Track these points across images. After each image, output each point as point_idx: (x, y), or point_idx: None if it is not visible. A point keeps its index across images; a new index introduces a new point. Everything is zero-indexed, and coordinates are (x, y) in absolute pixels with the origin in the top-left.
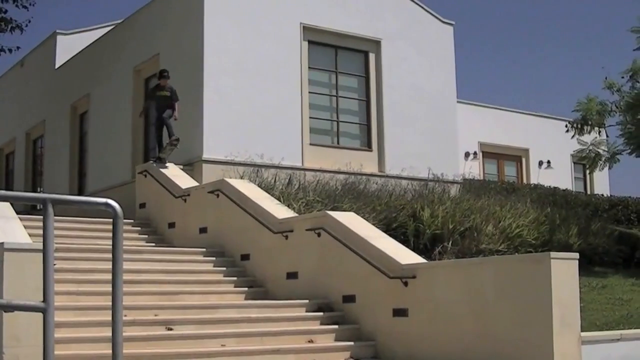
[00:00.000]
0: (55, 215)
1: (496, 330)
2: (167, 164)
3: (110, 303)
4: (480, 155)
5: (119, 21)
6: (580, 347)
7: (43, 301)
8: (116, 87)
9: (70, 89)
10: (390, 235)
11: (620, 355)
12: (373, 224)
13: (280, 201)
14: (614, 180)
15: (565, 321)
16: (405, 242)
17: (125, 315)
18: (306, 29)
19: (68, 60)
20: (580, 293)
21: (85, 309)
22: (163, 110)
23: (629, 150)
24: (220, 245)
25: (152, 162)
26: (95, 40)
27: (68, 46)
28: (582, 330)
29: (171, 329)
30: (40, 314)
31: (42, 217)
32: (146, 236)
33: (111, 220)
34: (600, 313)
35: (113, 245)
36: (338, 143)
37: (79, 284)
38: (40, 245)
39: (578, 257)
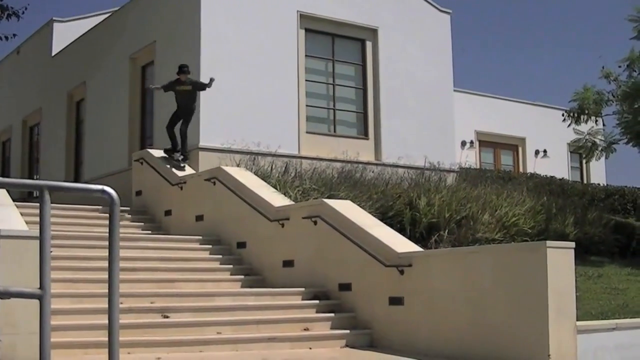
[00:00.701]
0: (52, 203)
1: (492, 319)
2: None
3: (107, 290)
4: (476, 144)
5: (115, 9)
6: (576, 336)
7: (39, 288)
8: (112, 75)
9: (67, 76)
10: (386, 223)
11: (616, 345)
12: (369, 213)
13: (276, 189)
14: (610, 170)
15: (561, 310)
16: (401, 230)
17: (122, 303)
18: (303, 17)
19: (64, 48)
20: (576, 282)
21: (82, 297)
22: (183, 105)
23: (626, 140)
24: (216, 233)
25: (164, 154)
26: (92, 28)
27: (64, 34)
28: (577, 320)
29: (167, 317)
30: (37, 301)
31: (38, 204)
32: (142, 224)
33: (108, 207)
34: (596, 302)
35: (110, 232)
36: (335, 131)
37: (76, 271)
38: (36, 232)
39: (574, 246)
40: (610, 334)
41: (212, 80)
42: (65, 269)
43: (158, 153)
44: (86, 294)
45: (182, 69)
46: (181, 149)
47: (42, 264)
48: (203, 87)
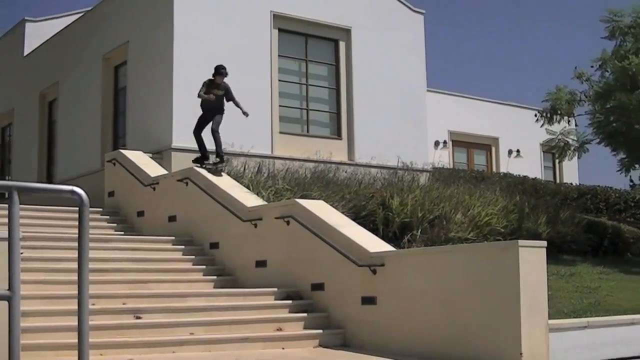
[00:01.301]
0: (23, 204)
1: (465, 318)
2: (222, 174)
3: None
4: (450, 143)
5: (88, 8)
6: (548, 334)
7: (8, 289)
8: (85, 75)
9: (39, 76)
10: (359, 223)
11: (587, 343)
12: (342, 212)
13: (249, 189)
14: (583, 170)
15: (533, 308)
16: (374, 230)
17: (94, 304)
18: (276, 17)
19: (37, 48)
20: (549, 281)
21: (53, 298)
22: (212, 110)
23: (598, 140)
24: (189, 233)
25: (198, 165)
26: (65, 28)
27: (37, 33)
28: (549, 318)
29: (140, 318)
30: (6, 303)
31: (7, 205)
32: (115, 225)
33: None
34: (568, 301)
35: (79, 233)
36: (308, 131)
37: (47, 272)
38: (5, 233)
39: (546, 245)
40: (582, 332)
41: (245, 114)
42: (37, 271)
43: (130, 154)
44: (58, 295)
45: (220, 71)
46: (216, 151)
47: (11, 265)
48: (232, 96)
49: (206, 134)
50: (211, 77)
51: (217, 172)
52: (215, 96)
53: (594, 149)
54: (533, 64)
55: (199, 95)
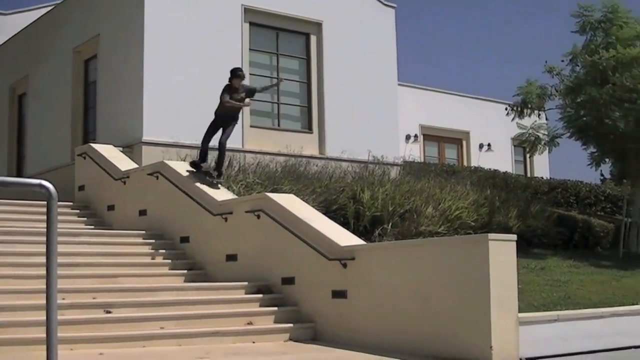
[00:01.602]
0: None
1: (435, 311)
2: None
3: None
4: (421, 137)
5: (59, 1)
6: (518, 328)
7: None
8: (55, 68)
9: (9, 69)
10: (330, 217)
11: (557, 336)
12: (313, 206)
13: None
14: (553, 164)
15: (503, 302)
16: (345, 224)
17: (64, 299)
18: (247, 11)
19: (7, 41)
20: (519, 274)
21: (23, 293)
22: (229, 116)
23: (569, 134)
24: (159, 227)
25: (191, 168)
26: (35, 21)
27: (7, 26)
28: (519, 311)
29: (110, 312)
30: None
31: None
32: (85, 219)
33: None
34: (539, 294)
35: (47, 226)
36: (279, 125)
37: (17, 267)
38: None
39: (516, 238)
40: (552, 325)
41: (279, 81)
42: (6, 265)
43: (101, 147)
44: (27, 290)
45: (237, 74)
46: (217, 164)
47: None
48: (253, 92)
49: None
50: (228, 82)
51: (214, 186)
52: (236, 101)
53: (565, 143)
54: (504, 57)
55: (225, 102)
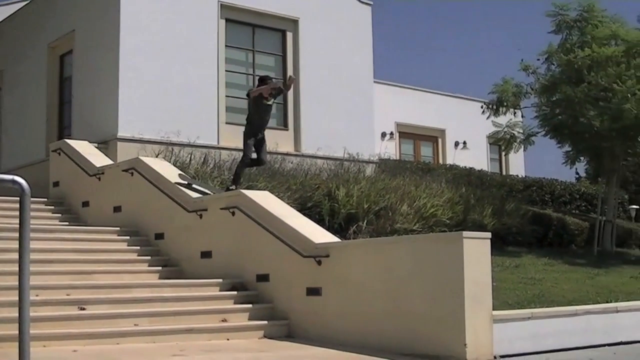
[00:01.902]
0: None
1: (410, 309)
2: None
3: None
4: (396, 135)
5: None
6: (492, 325)
7: None
8: (31, 64)
9: None
10: (305, 214)
11: (531, 333)
12: (288, 203)
13: (195, 180)
14: (529, 162)
15: (477, 299)
16: (320, 221)
17: (37, 295)
18: (224, 7)
19: None
20: (494, 272)
21: None
22: (263, 124)
23: (544, 132)
24: (134, 224)
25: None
26: (10, 16)
27: None
28: (494, 309)
29: (84, 309)
30: None
31: None
32: (59, 215)
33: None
34: (513, 292)
35: (20, 222)
36: None
37: None
38: None
39: (490, 236)
40: (526, 323)
41: (291, 78)
42: None
43: (76, 143)
44: (1, 286)
45: (266, 81)
46: (235, 176)
47: None
48: (281, 91)
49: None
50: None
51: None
52: (268, 107)
53: (540, 141)
54: (480, 56)
55: (251, 95)
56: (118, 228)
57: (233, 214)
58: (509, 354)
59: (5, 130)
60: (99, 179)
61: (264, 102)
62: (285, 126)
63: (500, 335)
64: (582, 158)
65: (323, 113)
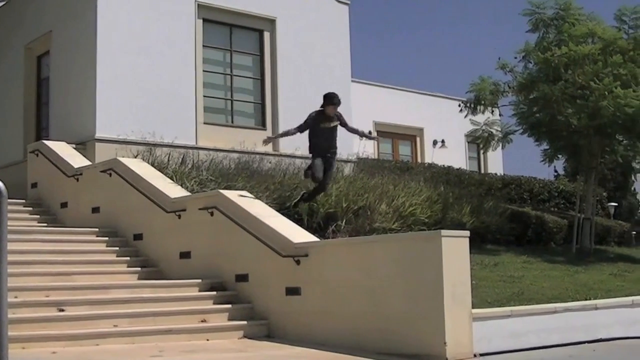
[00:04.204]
0: None
1: (389, 308)
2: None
3: None
4: (375, 134)
5: None
6: (472, 324)
7: None
8: (8, 65)
9: None
10: (284, 214)
11: (510, 331)
12: (266, 203)
13: (173, 180)
14: (507, 160)
15: (456, 298)
16: (298, 221)
17: (16, 297)
18: (201, 7)
19: None
20: (473, 271)
21: None
22: (325, 147)
23: (522, 130)
24: (113, 225)
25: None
26: None
27: None
28: (473, 307)
29: (63, 310)
30: None
31: None
32: (38, 216)
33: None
34: (492, 290)
35: None
36: (232, 122)
37: None
38: None
39: (469, 234)
40: (506, 321)
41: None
42: None
43: (54, 144)
44: None
45: (333, 100)
46: (309, 194)
47: None
48: (347, 126)
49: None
50: (320, 108)
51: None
52: (327, 129)
53: (518, 140)
54: (457, 55)
55: (303, 129)
56: (97, 229)
57: (212, 214)
58: (489, 352)
59: None
60: (77, 180)
61: (321, 124)
62: (263, 126)
63: (480, 333)
64: (560, 156)
65: (301, 112)
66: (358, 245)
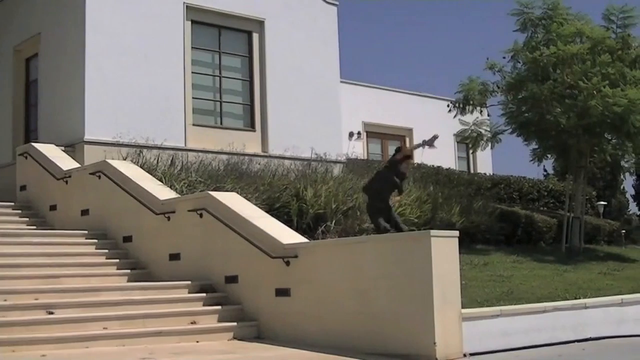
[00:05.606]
0: None
1: (378, 308)
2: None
3: None
4: (364, 134)
5: None
6: (461, 323)
7: None
8: None
9: None
10: (273, 215)
11: (500, 331)
12: (255, 204)
13: (162, 182)
14: (496, 160)
15: (445, 298)
16: (288, 222)
17: (5, 300)
18: (189, 9)
19: None
20: (463, 270)
21: None
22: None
23: (510, 130)
24: (102, 227)
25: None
26: None
27: None
28: (463, 307)
29: (52, 313)
30: None
31: None
32: (27, 219)
33: None
34: (482, 290)
35: None
36: (221, 123)
37: None
38: None
39: (458, 234)
40: (495, 320)
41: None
42: None
43: (42, 147)
44: None
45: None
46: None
47: None
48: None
49: None
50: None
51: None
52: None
53: (507, 139)
54: (446, 55)
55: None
56: (86, 231)
57: (201, 215)
58: (479, 352)
59: None
60: (66, 182)
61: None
62: (252, 127)
63: (469, 333)
64: (549, 155)
65: (290, 113)
66: (347, 245)
